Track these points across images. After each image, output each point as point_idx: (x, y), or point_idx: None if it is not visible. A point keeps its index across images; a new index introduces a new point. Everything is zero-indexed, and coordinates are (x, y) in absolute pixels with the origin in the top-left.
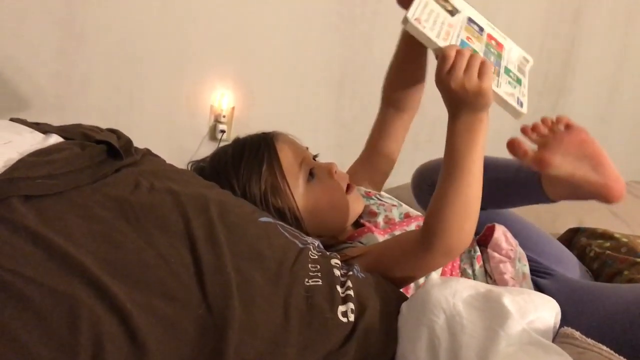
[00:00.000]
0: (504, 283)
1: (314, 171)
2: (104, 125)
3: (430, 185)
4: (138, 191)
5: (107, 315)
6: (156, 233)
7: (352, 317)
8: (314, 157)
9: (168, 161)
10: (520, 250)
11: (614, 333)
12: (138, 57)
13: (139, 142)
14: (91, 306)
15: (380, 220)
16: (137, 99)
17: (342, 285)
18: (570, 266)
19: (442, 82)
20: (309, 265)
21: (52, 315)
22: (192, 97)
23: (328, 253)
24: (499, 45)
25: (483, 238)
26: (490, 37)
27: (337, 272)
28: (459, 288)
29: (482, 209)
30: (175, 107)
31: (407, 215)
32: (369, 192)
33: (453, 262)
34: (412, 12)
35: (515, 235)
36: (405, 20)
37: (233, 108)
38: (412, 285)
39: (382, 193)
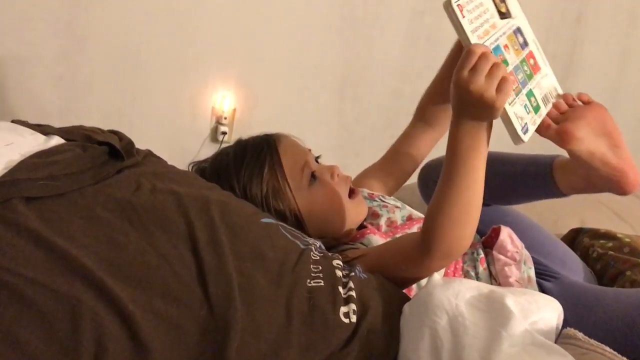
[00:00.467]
0: (509, 286)
1: (316, 174)
2: (106, 127)
3: (436, 182)
4: (140, 192)
5: (109, 317)
6: (158, 234)
7: (354, 318)
8: (317, 158)
9: (170, 162)
10: (526, 252)
11: (616, 338)
12: (140, 59)
13: (141, 144)
14: (93, 307)
15: (383, 222)
16: (139, 100)
17: (344, 286)
18: (575, 268)
19: (461, 79)
20: (311, 266)
21: (54, 316)
22: (193, 99)
23: (330, 254)
24: (536, 66)
25: (488, 240)
26: (530, 55)
27: (339, 273)
28: (461, 289)
29: (487, 204)
30: (177, 108)
31: (409, 218)
32: (372, 193)
33: (456, 264)
34: None
35: (520, 237)
36: (448, 2)
37: (234, 110)
38: (414, 285)
39: (385, 195)
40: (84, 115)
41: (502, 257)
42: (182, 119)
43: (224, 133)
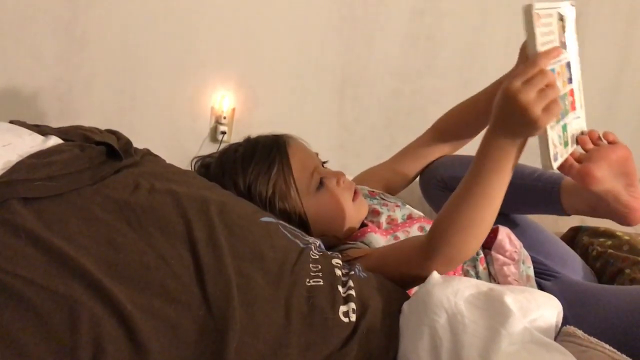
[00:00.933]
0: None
1: (324, 180)
2: (106, 127)
3: (440, 180)
4: (138, 192)
5: (108, 317)
6: (156, 234)
7: (353, 317)
8: (323, 164)
9: (169, 162)
10: (524, 252)
11: (615, 335)
12: (140, 59)
13: (140, 144)
14: (91, 308)
15: (383, 220)
16: (138, 101)
17: (344, 285)
18: (574, 267)
19: (512, 86)
20: (310, 265)
21: (52, 317)
22: (193, 98)
23: (329, 253)
24: (573, 105)
25: (487, 239)
26: (571, 92)
27: (338, 272)
28: (460, 287)
29: None
30: (176, 108)
31: (409, 217)
32: (373, 191)
33: None
34: (541, 7)
35: (520, 236)
36: (530, 6)
37: (234, 109)
38: None
39: (386, 193)
40: (83, 116)
41: (500, 256)
42: (181, 119)
43: (224, 133)
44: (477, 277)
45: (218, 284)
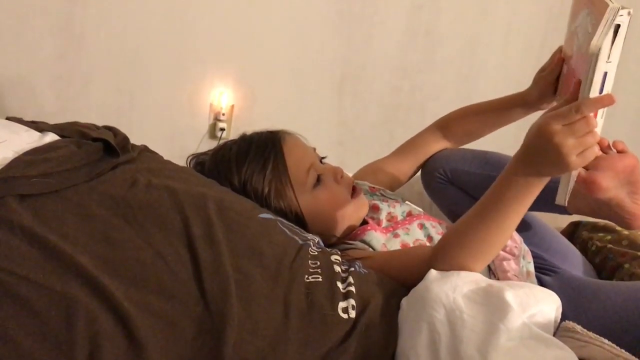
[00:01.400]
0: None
1: (322, 177)
2: (104, 124)
3: (442, 174)
4: (135, 189)
5: (104, 314)
6: (154, 231)
7: (353, 314)
8: (321, 159)
9: (168, 159)
10: (524, 247)
11: (614, 331)
12: (138, 57)
13: (139, 141)
14: (88, 305)
15: (383, 217)
16: (137, 98)
17: (344, 281)
18: (575, 262)
19: (550, 127)
20: (309, 261)
21: (48, 314)
22: (191, 95)
23: (328, 249)
24: (595, 114)
25: None
26: None
27: (337, 268)
28: (459, 283)
29: None
30: (175, 105)
31: (409, 214)
32: (374, 187)
33: None
34: (606, 38)
35: (521, 231)
36: (599, 50)
37: (232, 106)
38: None
39: (387, 190)
40: (82, 114)
41: (500, 252)
42: (180, 116)
43: (222, 129)
44: None
45: (216, 281)
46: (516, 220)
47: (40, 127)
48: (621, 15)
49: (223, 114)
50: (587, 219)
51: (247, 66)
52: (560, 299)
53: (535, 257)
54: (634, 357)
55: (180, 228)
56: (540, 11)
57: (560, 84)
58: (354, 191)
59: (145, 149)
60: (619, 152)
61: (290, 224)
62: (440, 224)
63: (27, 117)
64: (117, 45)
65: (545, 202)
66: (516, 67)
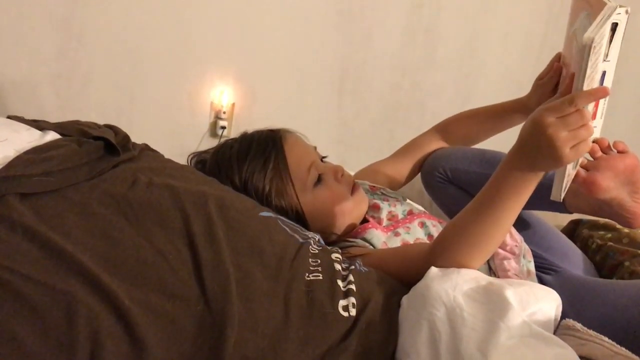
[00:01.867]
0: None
1: (322, 176)
2: (105, 123)
3: (442, 173)
4: (136, 187)
5: (105, 312)
6: (154, 229)
7: (353, 312)
8: (322, 158)
9: (169, 157)
10: (525, 246)
11: (614, 329)
12: (138, 55)
13: (140, 139)
14: (89, 303)
15: (384, 215)
16: (138, 97)
17: (344, 279)
18: (575, 261)
19: (544, 120)
20: (310, 259)
21: (49, 312)
22: (192, 94)
23: (329, 247)
24: (594, 115)
25: None
26: (597, 103)
27: (338, 267)
28: (459, 281)
29: None
30: (175, 104)
31: (410, 212)
32: (374, 186)
33: None
34: (600, 31)
35: (521, 229)
36: (591, 40)
37: (233, 104)
38: None
39: (387, 188)
40: (82, 113)
41: (500, 250)
42: (181, 114)
43: (223, 128)
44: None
45: (216, 279)
46: (513, 215)
47: (41, 125)
48: (619, 14)
49: (224, 113)
50: (587, 217)
51: (247, 65)
52: (561, 298)
53: (535, 256)
54: (634, 355)
55: (181, 226)
56: (541, 10)
57: (559, 89)
58: (354, 188)
59: (146, 147)
60: (619, 152)
61: (290, 222)
62: (440, 223)
63: (28, 116)
64: (117, 44)
65: (546, 201)
66: (516, 66)
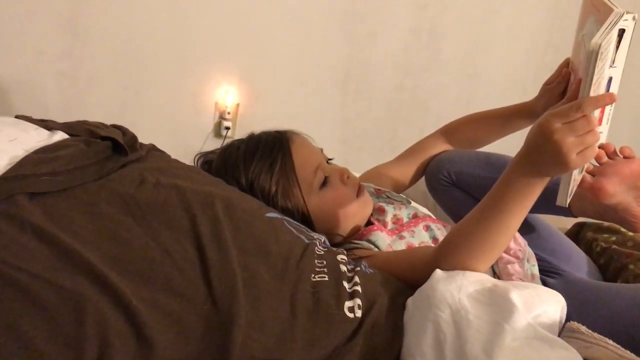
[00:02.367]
0: None
1: (328, 178)
2: (109, 122)
3: (446, 176)
4: (143, 187)
5: (113, 312)
6: (162, 229)
7: (359, 313)
8: (329, 160)
9: (173, 158)
10: (529, 250)
11: (618, 332)
12: (143, 55)
13: (144, 139)
14: (97, 302)
15: (389, 219)
16: (142, 96)
17: (349, 280)
18: (579, 264)
19: (550, 125)
20: (315, 260)
21: (58, 311)
22: (196, 94)
23: (334, 249)
24: (600, 120)
25: None
26: (603, 109)
27: (343, 268)
28: (464, 283)
29: None
30: (180, 104)
31: (415, 216)
32: (379, 189)
33: None
34: (607, 37)
35: (525, 233)
36: (598, 46)
37: (238, 105)
38: None
39: (392, 192)
40: (86, 112)
41: (504, 255)
42: (185, 115)
43: (228, 128)
44: None
45: (223, 279)
46: (518, 220)
47: (49, 125)
48: (626, 20)
49: (228, 113)
50: (591, 220)
51: (252, 65)
52: (565, 301)
53: (539, 259)
54: (638, 358)
55: (188, 226)
56: (546, 10)
57: (567, 94)
58: (359, 190)
59: (153, 148)
60: (625, 157)
61: (296, 223)
62: (445, 226)
63: (32, 115)
64: (121, 44)
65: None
66: (521, 67)
